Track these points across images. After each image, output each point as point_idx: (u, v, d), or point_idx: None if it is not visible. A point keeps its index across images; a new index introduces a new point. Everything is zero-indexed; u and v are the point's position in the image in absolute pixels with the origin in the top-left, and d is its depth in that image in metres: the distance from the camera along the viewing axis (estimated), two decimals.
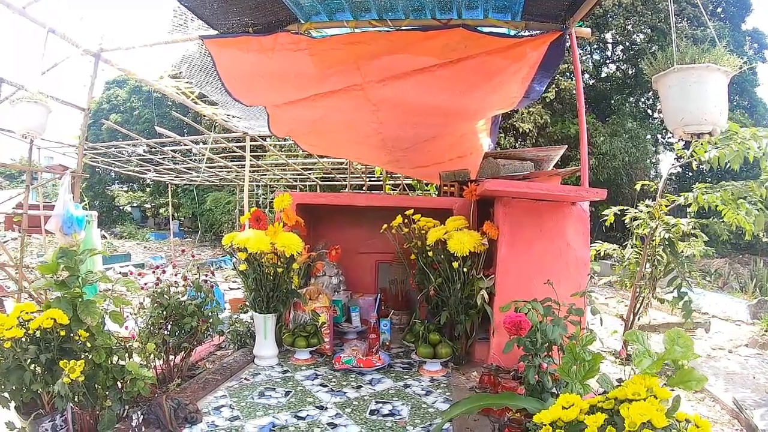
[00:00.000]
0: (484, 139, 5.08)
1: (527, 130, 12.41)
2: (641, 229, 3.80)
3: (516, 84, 3.37)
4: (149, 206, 24.73)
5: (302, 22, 2.99)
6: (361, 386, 2.48)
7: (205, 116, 5.61)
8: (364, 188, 9.08)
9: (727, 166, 3.12)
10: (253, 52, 3.11)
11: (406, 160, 5.68)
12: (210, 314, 2.56)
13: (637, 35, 14.29)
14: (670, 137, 15.23)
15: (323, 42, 3.02)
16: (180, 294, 2.55)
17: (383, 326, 3.13)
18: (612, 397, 1.26)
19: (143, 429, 1.85)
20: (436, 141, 4.78)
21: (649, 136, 14.39)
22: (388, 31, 2.90)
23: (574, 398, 1.28)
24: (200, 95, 4.61)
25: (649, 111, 15.46)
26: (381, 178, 8.45)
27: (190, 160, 9.16)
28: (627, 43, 14.76)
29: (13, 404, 1.72)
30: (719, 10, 14.85)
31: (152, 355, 2.32)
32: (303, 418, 2.07)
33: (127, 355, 1.98)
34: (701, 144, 3.25)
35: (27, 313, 1.72)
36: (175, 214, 20.26)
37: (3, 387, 1.68)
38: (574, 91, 8.04)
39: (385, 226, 3.12)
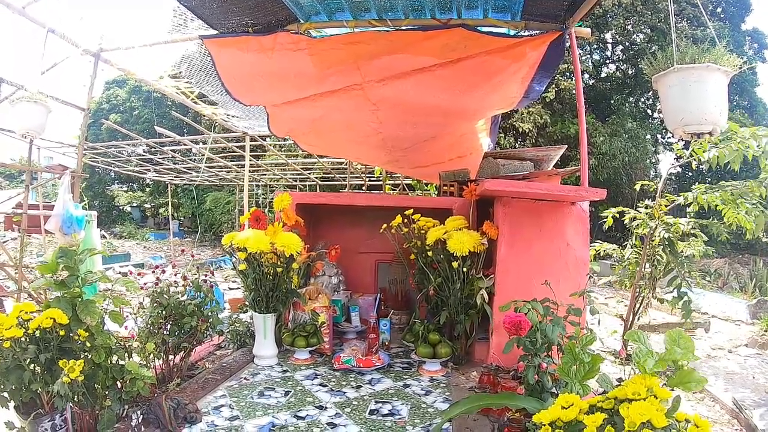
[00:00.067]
0: (484, 139, 5.08)
1: (527, 130, 12.41)
2: (641, 229, 3.80)
3: (516, 84, 3.37)
4: (149, 206, 24.73)
5: (302, 21, 2.99)
6: (361, 386, 2.48)
7: (204, 116, 5.60)
8: (363, 188, 9.08)
9: (727, 166, 3.12)
10: (252, 52, 3.10)
11: (405, 159, 5.68)
12: (209, 314, 2.56)
13: (637, 35, 14.28)
14: (669, 137, 15.23)
15: (323, 42, 3.02)
16: (179, 294, 2.55)
17: (383, 326, 3.13)
18: (611, 396, 1.26)
19: (143, 429, 1.85)
20: (436, 141, 4.78)
21: (648, 136, 14.38)
22: (387, 30, 2.90)
23: (573, 398, 1.28)
24: (200, 95, 4.61)
25: (649, 111, 15.45)
26: (381, 178, 8.45)
27: (190, 159, 9.16)
28: (627, 43, 14.76)
29: (12, 404, 1.71)
30: (719, 10, 14.85)
31: (152, 355, 2.32)
32: (302, 418, 2.06)
33: (126, 354, 1.98)
34: (701, 144, 3.26)
35: (26, 312, 1.72)
36: (175, 214, 20.26)
37: (2, 387, 1.68)
38: (574, 91, 8.04)
39: (385, 225, 3.12)
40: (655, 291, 3.90)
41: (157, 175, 10.67)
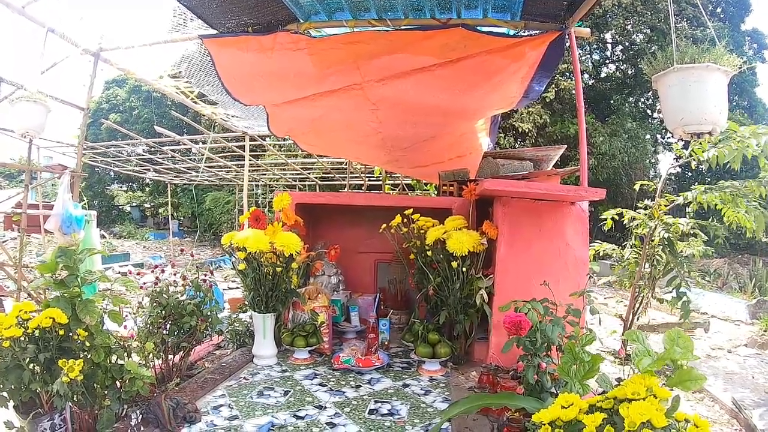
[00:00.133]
0: (484, 139, 5.08)
1: (527, 130, 12.41)
2: (640, 229, 3.80)
3: (515, 84, 3.37)
4: (148, 206, 24.71)
5: (301, 21, 2.99)
6: (360, 386, 2.48)
7: (204, 116, 5.61)
8: (363, 188, 9.08)
9: (727, 166, 3.12)
10: (252, 52, 3.10)
11: (405, 159, 5.68)
12: (209, 313, 2.56)
13: (637, 35, 14.28)
14: (669, 137, 15.24)
15: (322, 41, 3.02)
16: (179, 293, 2.55)
17: (382, 326, 3.13)
18: (611, 396, 1.26)
19: (142, 428, 1.85)
20: (436, 140, 4.78)
21: (648, 136, 14.38)
22: (387, 30, 2.90)
23: (573, 398, 1.28)
24: (199, 95, 4.61)
25: (649, 111, 15.45)
26: (380, 178, 8.45)
27: (190, 159, 9.16)
28: (626, 43, 14.75)
29: (11, 403, 1.71)
30: (719, 10, 14.85)
31: (151, 355, 2.32)
32: (302, 418, 2.06)
33: (126, 354, 1.98)
34: (700, 144, 3.26)
35: (26, 312, 1.71)
36: (175, 214, 20.25)
37: (2, 386, 1.68)
38: (574, 91, 8.06)
39: (385, 225, 3.12)
40: (655, 291, 3.90)
41: (157, 174, 10.67)
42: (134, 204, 25.19)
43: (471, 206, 3.14)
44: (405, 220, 3.06)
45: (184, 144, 7.40)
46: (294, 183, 12.32)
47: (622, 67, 15.42)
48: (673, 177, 14.88)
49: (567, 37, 2.87)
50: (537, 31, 2.89)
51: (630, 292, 4.00)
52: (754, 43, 15.28)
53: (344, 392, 2.38)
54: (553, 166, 4.43)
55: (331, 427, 1.98)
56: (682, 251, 3.73)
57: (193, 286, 2.60)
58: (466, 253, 2.68)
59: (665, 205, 3.70)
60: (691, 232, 3.77)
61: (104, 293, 2.07)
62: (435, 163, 5.42)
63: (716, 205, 3.46)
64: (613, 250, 4.25)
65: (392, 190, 9.16)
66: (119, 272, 9.08)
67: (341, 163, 8.93)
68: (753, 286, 8.34)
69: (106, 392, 1.83)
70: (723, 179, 3.57)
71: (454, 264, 2.74)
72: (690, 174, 14.39)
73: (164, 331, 2.42)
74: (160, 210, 23.36)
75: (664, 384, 1.29)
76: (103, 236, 16.19)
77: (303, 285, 3.16)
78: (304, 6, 2.85)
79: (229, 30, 3.09)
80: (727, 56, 1.95)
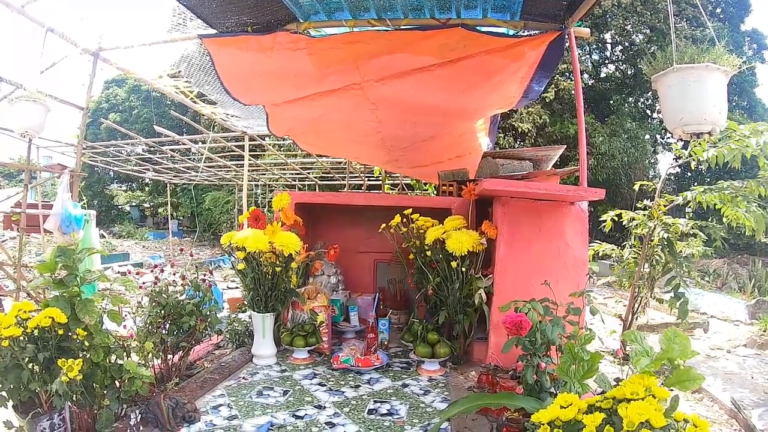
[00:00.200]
0: (483, 139, 5.08)
1: (526, 130, 12.41)
2: (640, 229, 3.80)
3: (515, 84, 3.37)
4: (148, 205, 24.71)
5: (301, 21, 2.99)
6: (360, 385, 2.48)
7: (203, 115, 5.60)
8: (362, 188, 9.08)
9: (727, 166, 3.12)
10: (251, 52, 3.10)
11: (404, 159, 5.68)
12: (208, 313, 2.56)
13: (637, 35, 14.28)
14: (669, 137, 15.25)
15: (322, 41, 3.02)
16: (178, 293, 2.55)
17: (382, 326, 3.13)
18: (610, 396, 1.26)
19: (141, 428, 1.85)
20: (435, 140, 4.78)
21: (648, 137, 14.39)
22: (387, 30, 2.90)
23: (572, 398, 1.28)
24: (199, 94, 4.61)
25: (648, 111, 15.46)
26: (380, 178, 8.45)
27: (189, 159, 9.16)
28: (626, 44, 14.75)
29: (10, 403, 1.71)
30: (718, 10, 14.87)
31: (150, 354, 2.32)
32: (301, 418, 2.06)
33: (125, 354, 1.98)
34: (699, 144, 3.26)
35: (25, 311, 1.71)
36: (174, 214, 20.24)
37: (1, 386, 1.68)
38: (573, 91, 8.04)
39: (384, 225, 3.12)
40: (654, 291, 3.91)
41: (156, 174, 10.67)
42: (133, 204, 25.19)
43: (470, 206, 3.14)
44: (404, 219, 3.06)
45: (184, 144, 7.40)
46: (293, 183, 12.32)
47: (621, 68, 15.43)
48: (672, 177, 14.90)
49: (566, 37, 2.87)
50: (536, 31, 2.89)
51: (629, 292, 4.00)
52: (754, 43, 15.30)
53: (343, 392, 2.38)
54: (552, 166, 4.43)
55: (330, 427, 1.98)
56: (681, 251, 3.74)
57: (192, 285, 2.60)
58: (466, 253, 2.68)
59: (664, 206, 3.70)
60: (691, 233, 3.77)
61: (103, 293, 2.07)
62: (434, 163, 5.43)
63: (716, 205, 3.46)
64: (613, 250, 4.25)
65: (392, 189, 9.16)
66: (118, 272, 9.08)
67: (341, 163, 8.93)
68: (752, 287, 8.35)
69: (105, 392, 1.83)
70: (722, 179, 3.57)
71: (454, 264, 2.74)
72: (689, 174, 14.40)
73: (163, 331, 2.42)
74: (160, 210, 23.35)
75: (662, 384, 1.29)
76: (102, 236, 16.18)
77: (302, 285, 3.16)
78: (303, 6, 2.85)
79: (229, 30, 3.09)
80: (727, 56, 1.95)
